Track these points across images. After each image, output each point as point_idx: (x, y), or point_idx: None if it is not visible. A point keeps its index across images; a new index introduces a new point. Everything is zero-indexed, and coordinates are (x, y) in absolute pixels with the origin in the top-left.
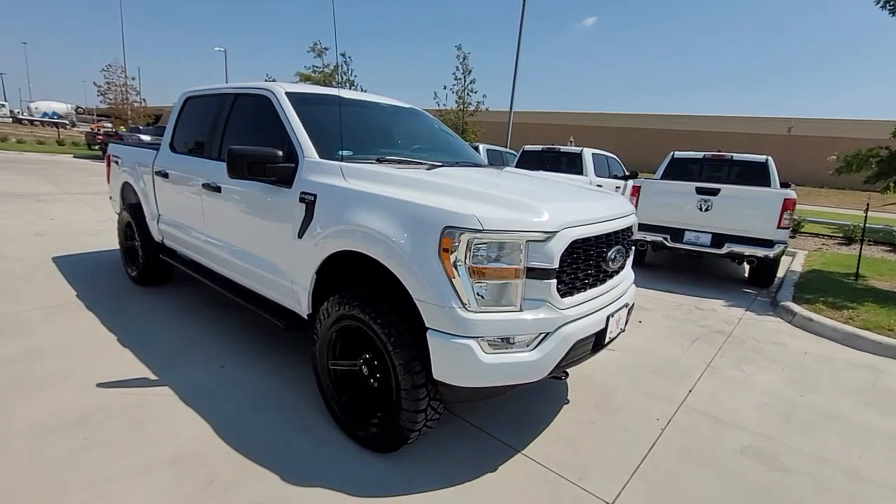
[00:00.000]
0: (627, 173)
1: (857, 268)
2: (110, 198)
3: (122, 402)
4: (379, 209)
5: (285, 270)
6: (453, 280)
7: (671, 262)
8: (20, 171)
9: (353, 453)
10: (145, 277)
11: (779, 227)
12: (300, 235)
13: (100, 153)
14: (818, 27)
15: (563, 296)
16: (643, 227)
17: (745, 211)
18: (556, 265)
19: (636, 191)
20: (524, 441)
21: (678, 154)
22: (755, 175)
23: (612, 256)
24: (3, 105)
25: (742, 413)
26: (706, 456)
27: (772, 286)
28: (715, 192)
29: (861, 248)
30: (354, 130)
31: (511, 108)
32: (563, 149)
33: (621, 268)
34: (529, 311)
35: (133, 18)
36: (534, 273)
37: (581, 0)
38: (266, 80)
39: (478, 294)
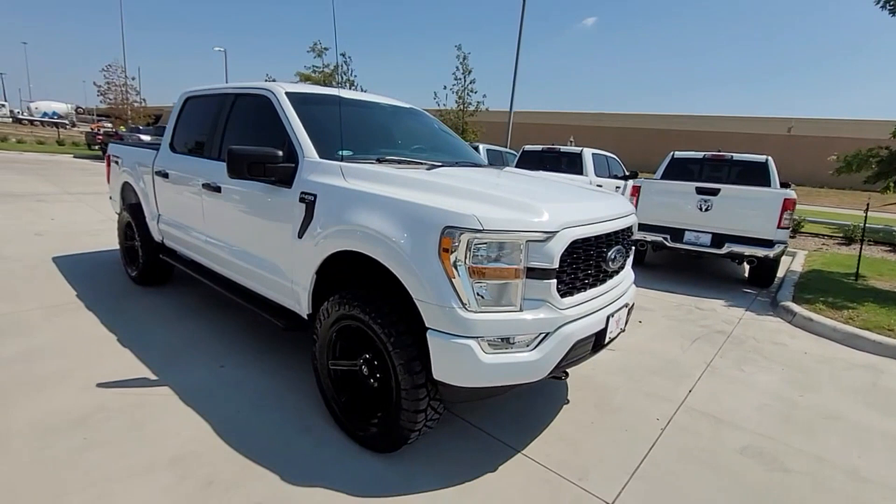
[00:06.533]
0: (627, 173)
1: (857, 268)
2: (110, 198)
3: (122, 402)
4: (379, 209)
5: (285, 270)
6: (453, 280)
7: (671, 262)
8: (20, 171)
9: (353, 453)
10: (145, 277)
11: (779, 227)
12: (300, 235)
13: (100, 153)
14: (818, 27)
15: (563, 296)
16: (643, 227)
17: (745, 211)
18: (556, 265)
19: (636, 191)
20: (524, 441)
21: (678, 154)
22: (755, 175)
23: (612, 256)
24: (3, 105)
25: (742, 413)
26: (706, 456)
27: (772, 286)
28: (715, 192)
29: (861, 248)
30: (354, 130)
31: (511, 108)
32: (563, 149)
33: (621, 268)
34: (529, 311)
35: (133, 18)
36: (534, 273)
37: (581, 0)
38: (266, 80)
39: (478, 294)
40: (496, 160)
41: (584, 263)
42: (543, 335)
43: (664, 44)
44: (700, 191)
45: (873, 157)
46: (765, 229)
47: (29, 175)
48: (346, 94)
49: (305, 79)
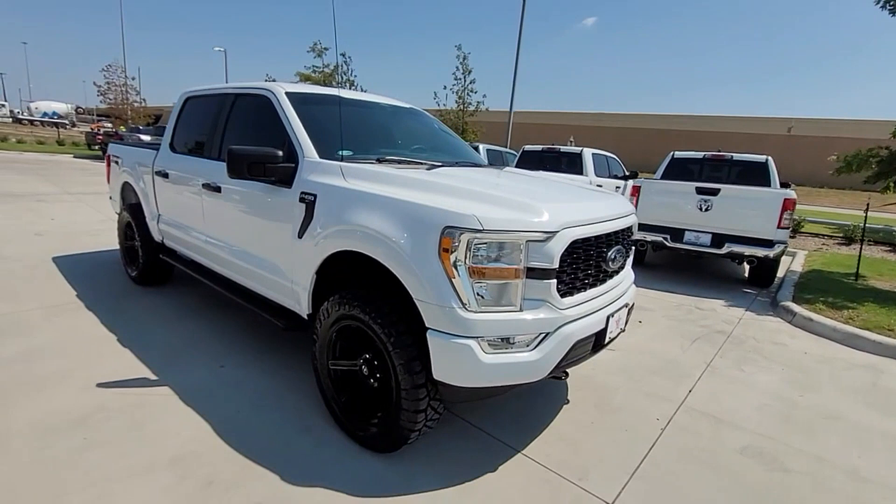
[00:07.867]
0: (627, 173)
1: (857, 268)
2: (110, 198)
3: (122, 402)
4: (379, 209)
5: (285, 270)
6: (453, 280)
7: (671, 262)
8: (20, 171)
9: (353, 453)
10: (145, 277)
11: (779, 227)
12: (300, 235)
13: (100, 153)
14: (818, 27)
15: (563, 296)
16: (643, 227)
17: (745, 211)
18: (556, 265)
19: (636, 191)
20: (524, 441)
21: (678, 154)
22: (755, 175)
23: (612, 256)
24: (4, 105)
25: (742, 413)
26: (706, 456)
27: (772, 286)
28: (715, 192)
29: (861, 248)
30: (354, 130)
31: (511, 108)
32: (563, 149)
33: (621, 268)
34: (529, 311)
35: (133, 18)
36: (534, 273)
37: (581, 0)
38: (266, 80)
39: (478, 294)
40: (496, 160)
41: (584, 263)
42: (543, 335)
43: (664, 44)
44: (700, 191)
45: (873, 157)
46: (765, 229)
47: (29, 175)
48: (346, 94)
49: (305, 79)
